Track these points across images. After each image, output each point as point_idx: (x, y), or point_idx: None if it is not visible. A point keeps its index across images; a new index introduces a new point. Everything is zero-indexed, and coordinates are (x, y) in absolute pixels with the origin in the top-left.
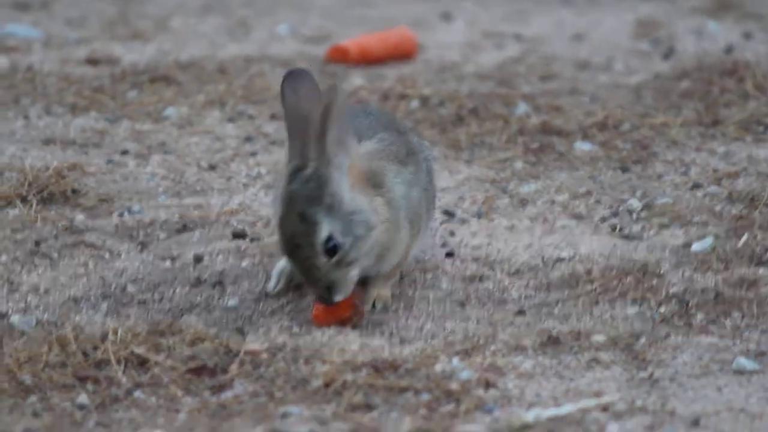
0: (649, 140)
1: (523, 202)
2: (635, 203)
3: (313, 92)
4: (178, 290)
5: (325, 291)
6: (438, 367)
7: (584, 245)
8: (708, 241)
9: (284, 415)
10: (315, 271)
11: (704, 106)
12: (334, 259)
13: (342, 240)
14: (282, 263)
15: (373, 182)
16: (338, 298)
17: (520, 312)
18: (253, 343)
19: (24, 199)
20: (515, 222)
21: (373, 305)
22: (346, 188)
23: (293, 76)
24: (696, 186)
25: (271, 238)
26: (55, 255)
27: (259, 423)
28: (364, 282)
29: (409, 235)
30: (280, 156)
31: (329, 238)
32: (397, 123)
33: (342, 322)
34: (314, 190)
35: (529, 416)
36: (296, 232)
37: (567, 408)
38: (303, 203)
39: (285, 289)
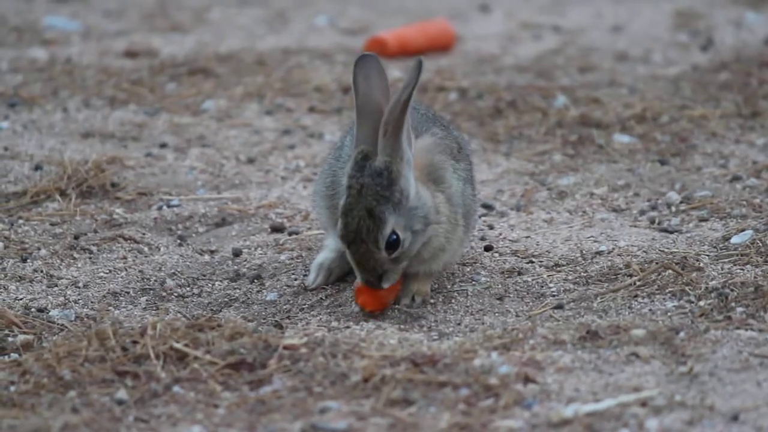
0: (688, 132)
1: (562, 195)
2: (674, 196)
3: (382, 79)
4: (216, 284)
5: (377, 278)
6: (477, 362)
7: (623, 238)
8: (747, 234)
9: (323, 410)
10: (372, 262)
11: (743, 98)
12: (394, 254)
13: (403, 236)
14: (321, 257)
15: (433, 177)
16: (386, 285)
17: (559, 306)
18: (292, 337)
19: (63, 193)
20: (554, 215)
21: (413, 299)
22: (412, 184)
23: (364, 62)
24: (735, 178)
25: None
26: (95, 249)
27: (298, 418)
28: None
29: (464, 233)
30: (318, 149)
31: (392, 234)
32: (439, 117)
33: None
34: (385, 187)
35: (568, 411)
36: (362, 226)
37: (606, 403)
38: (372, 199)
39: (324, 283)
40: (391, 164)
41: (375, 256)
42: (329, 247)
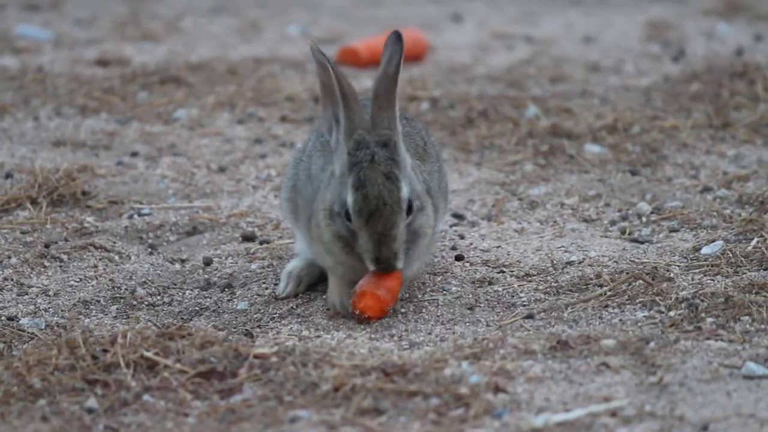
0: (659, 143)
1: (533, 205)
2: (645, 207)
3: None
4: (187, 293)
5: (394, 255)
6: (447, 372)
7: (594, 249)
8: (718, 245)
9: (293, 420)
10: (395, 228)
11: (714, 109)
12: (409, 218)
13: (413, 200)
14: (291, 265)
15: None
16: (401, 264)
17: (530, 316)
18: (263, 346)
19: (34, 201)
20: (525, 225)
21: None
22: (408, 158)
23: (322, 55)
24: (706, 189)
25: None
26: (65, 257)
27: (268, 427)
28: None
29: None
30: (289, 158)
31: (408, 197)
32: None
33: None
34: (393, 155)
35: (539, 421)
36: (383, 190)
37: (576, 413)
38: (386, 165)
39: (294, 292)
40: (391, 135)
41: (396, 221)
42: (299, 256)
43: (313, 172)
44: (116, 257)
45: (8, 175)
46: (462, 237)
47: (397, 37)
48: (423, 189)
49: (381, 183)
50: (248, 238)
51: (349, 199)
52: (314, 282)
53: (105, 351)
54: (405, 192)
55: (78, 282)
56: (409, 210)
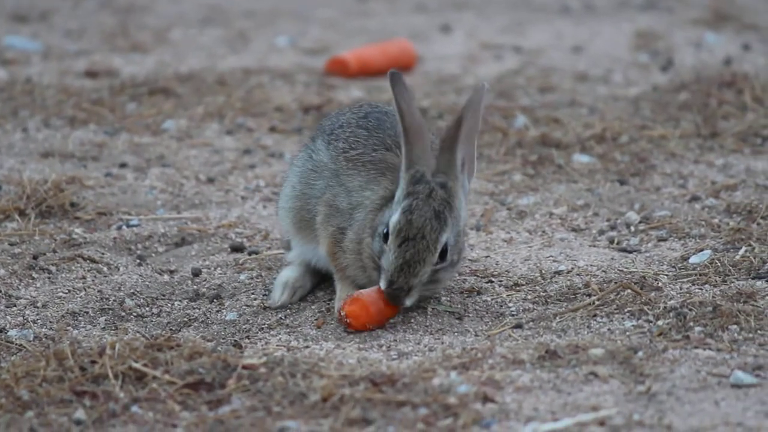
0: (647, 153)
1: (522, 215)
2: (633, 216)
3: (412, 95)
4: (176, 304)
5: (407, 288)
6: (436, 381)
7: (582, 258)
8: (706, 254)
9: (282, 430)
10: (420, 265)
11: (702, 119)
12: (438, 266)
13: (448, 254)
14: (285, 275)
15: None
16: (409, 303)
17: (518, 325)
18: (251, 357)
19: (22, 213)
20: (513, 235)
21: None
22: (464, 211)
23: (398, 81)
24: (694, 198)
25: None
26: (53, 269)
27: None
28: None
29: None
30: (278, 168)
31: (446, 244)
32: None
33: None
34: (449, 198)
35: (527, 431)
36: (427, 224)
37: (564, 422)
38: (440, 203)
39: (288, 301)
40: (448, 181)
41: (426, 258)
42: (293, 265)
43: (350, 187)
44: (105, 268)
45: None
46: None
47: (480, 87)
48: (463, 247)
49: (429, 217)
50: (237, 248)
51: (394, 218)
52: (307, 293)
53: (93, 362)
54: (445, 237)
55: (66, 293)
56: (443, 257)
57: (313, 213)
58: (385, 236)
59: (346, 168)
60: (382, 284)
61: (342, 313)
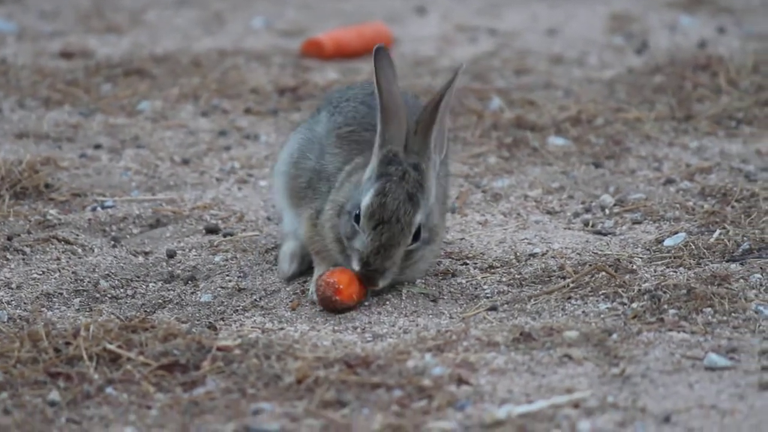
0: (622, 135)
1: (496, 198)
2: (608, 199)
3: (394, 72)
4: (150, 286)
5: (381, 270)
6: (410, 364)
7: (557, 241)
8: (680, 237)
9: (256, 412)
10: (395, 248)
11: (677, 101)
12: (412, 246)
13: (422, 233)
14: (289, 246)
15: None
16: (383, 284)
17: (493, 308)
18: (226, 339)
19: None
20: (488, 217)
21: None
22: (433, 189)
23: (381, 57)
24: (669, 181)
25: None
26: (28, 250)
27: (231, 419)
28: None
29: (437, 246)
30: (253, 150)
31: (419, 225)
32: None
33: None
34: (421, 179)
35: (501, 413)
36: (401, 207)
37: (539, 404)
38: (413, 186)
39: (298, 270)
40: (420, 162)
41: (401, 240)
42: (290, 235)
43: (330, 171)
44: (79, 250)
45: None
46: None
47: (459, 68)
48: (440, 224)
49: (402, 200)
50: (212, 230)
51: (366, 201)
52: (310, 261)
53: (68, 344)
54: (419, 219)
55: (41, 275)
56: (416, 237)
57: (305, 185)
58: (357, 217)
59: (332, 146)
60: (356, 265)
61: (331, 280)
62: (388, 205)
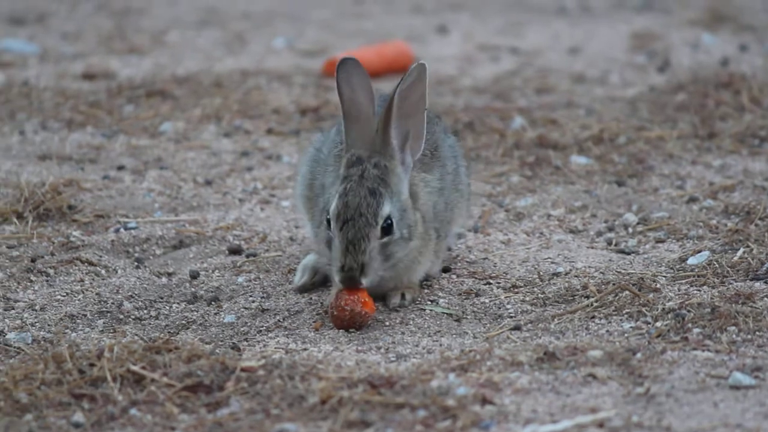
0: (645, 154)
1: (519, 217)
2: (631, 217)
3: (365, 81)
4: (174, 307)
5: (359, 271)
6: (434, 383)
7: (580, 260)
8: (704, 255)
9: None
10: (364, 242)
11: (700, 119)
12: (384, 239)
13: (395, 226)
14: (307, 259)
15: (411, 194)
16: (366, 282)
17: (517, 327)
18: (250, 359)
19: (20, 216)
20: (511, 236)
21: (402, 296)
22: (405, 188)
23: (345, 67)
24: (692, 200)
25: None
26: (51, 272)
27: None
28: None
29: (438, 244)
30: (276, 171)
31: (388, 217)
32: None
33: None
34: (382, 175)
35: None
36: (362, 202)
37: (563, 424)
38: (374, 182)
39: (309, 282)
40: (383, 160)
41: (369, 233)
42: (315, 252)
43: (326, 187)
44: (103, 271)
45: None
46: (449, 249)
47: (417, 66)
48: (419, 224)
49: (363, 196)
50: (235, 251)
51: (332, 205)
52: (323, 274)
53: (92, 365)
54: (385, 210)
55: (64, 296)
56: (388, 231)
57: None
58: (329, 223)
59: (329, 165)
60: (336, 277)
61: (354, 296)
62: (350, 203)
